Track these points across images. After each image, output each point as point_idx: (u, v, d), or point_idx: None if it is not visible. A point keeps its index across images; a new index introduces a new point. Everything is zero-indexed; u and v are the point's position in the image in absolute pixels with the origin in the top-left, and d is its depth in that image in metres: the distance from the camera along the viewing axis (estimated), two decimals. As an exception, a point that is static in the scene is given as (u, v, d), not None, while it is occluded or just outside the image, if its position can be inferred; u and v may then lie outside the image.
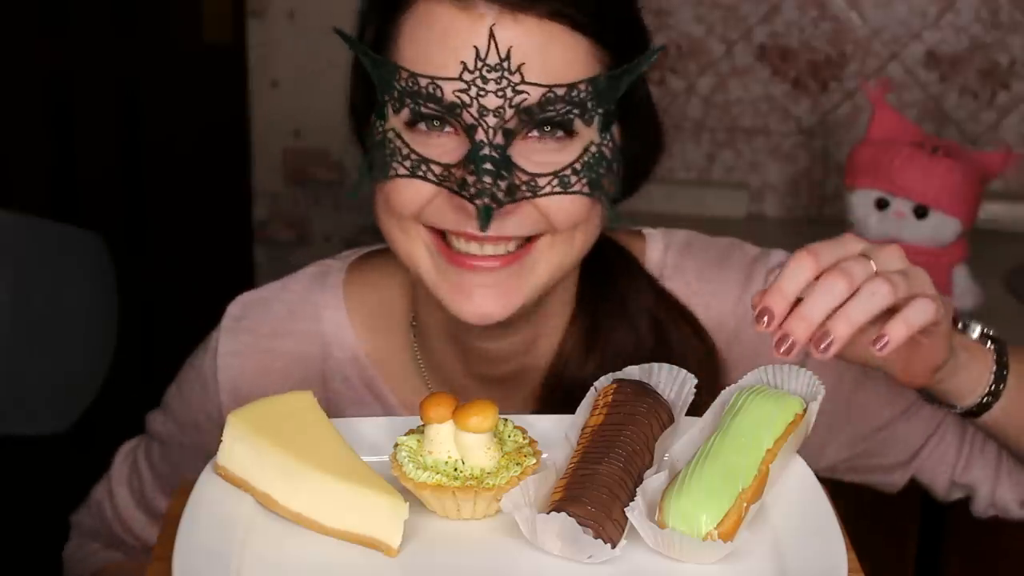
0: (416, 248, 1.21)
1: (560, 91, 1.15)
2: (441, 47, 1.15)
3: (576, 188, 1.17)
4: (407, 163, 1.17)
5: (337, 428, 1.05)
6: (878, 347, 1.05)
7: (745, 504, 1.00)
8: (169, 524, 1.01)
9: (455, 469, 1.02)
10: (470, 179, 1.14)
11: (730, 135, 2.64)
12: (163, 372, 1.50)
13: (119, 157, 2.80)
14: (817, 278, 1.05)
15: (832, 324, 1.03)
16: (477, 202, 1.14)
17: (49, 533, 2.62)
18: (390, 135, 1.18)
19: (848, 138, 2.59)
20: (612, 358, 1.29)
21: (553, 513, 0.97)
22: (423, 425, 1.04)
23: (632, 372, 1.12)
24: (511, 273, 1.20)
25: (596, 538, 0.97)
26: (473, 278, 1.19)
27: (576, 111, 1.16)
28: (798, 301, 1.04)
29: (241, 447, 1.03)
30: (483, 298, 1.20)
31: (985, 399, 1.23)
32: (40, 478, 2.73)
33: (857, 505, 2.32)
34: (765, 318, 1.04)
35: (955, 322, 1.20)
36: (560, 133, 1.17)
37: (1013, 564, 2.36)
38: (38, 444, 2.02)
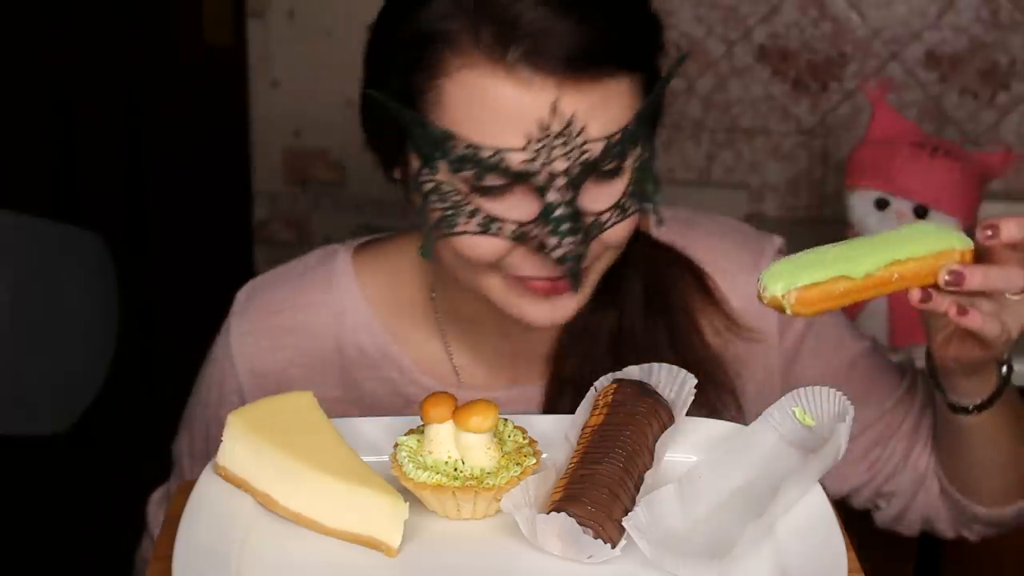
0: (490, 283, 1.21)
1: (616, 137, 1.15)
2: (500, 121, 1.14)
3: (632, 210, 1.19)
4: (476, 220, 1.16)
5: (337, 428, 1.05)
6: (988, 232, 1.07)
7: (842, 288, 1.01)
8: (169, 524, 1.01)
9: (455, 469, 1.02)
10: (550, 241, 1.15)
11: (730, 135, 2.63)
12: (163, 373, 1.50)
13: (119, 157, 2.80)
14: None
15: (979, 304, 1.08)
16: (566, 265, 1.15)
17: (49, 533, 2.63)
18: (445, 187, 1.17)
19: (848, 138, 2.58)
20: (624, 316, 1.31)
21: (553, 513, 0.97)
22: (423, 425, 1.04)
23: (632, 372, 1.13)
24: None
25: (596, 538, 0.97)
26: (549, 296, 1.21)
27: (630, 145, 1.17)
28: None
29: (241, 447, 1.03)
30: (552, 307, 1.21)
31: (981, 404, 1.24)
32: (40, 478, 2.72)
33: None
34: (989, 231, 1.06)
35: None
36: (614, 167, 1.17)
37: (1013, 565, 2.36)
38: (38, 444, 2.02)
